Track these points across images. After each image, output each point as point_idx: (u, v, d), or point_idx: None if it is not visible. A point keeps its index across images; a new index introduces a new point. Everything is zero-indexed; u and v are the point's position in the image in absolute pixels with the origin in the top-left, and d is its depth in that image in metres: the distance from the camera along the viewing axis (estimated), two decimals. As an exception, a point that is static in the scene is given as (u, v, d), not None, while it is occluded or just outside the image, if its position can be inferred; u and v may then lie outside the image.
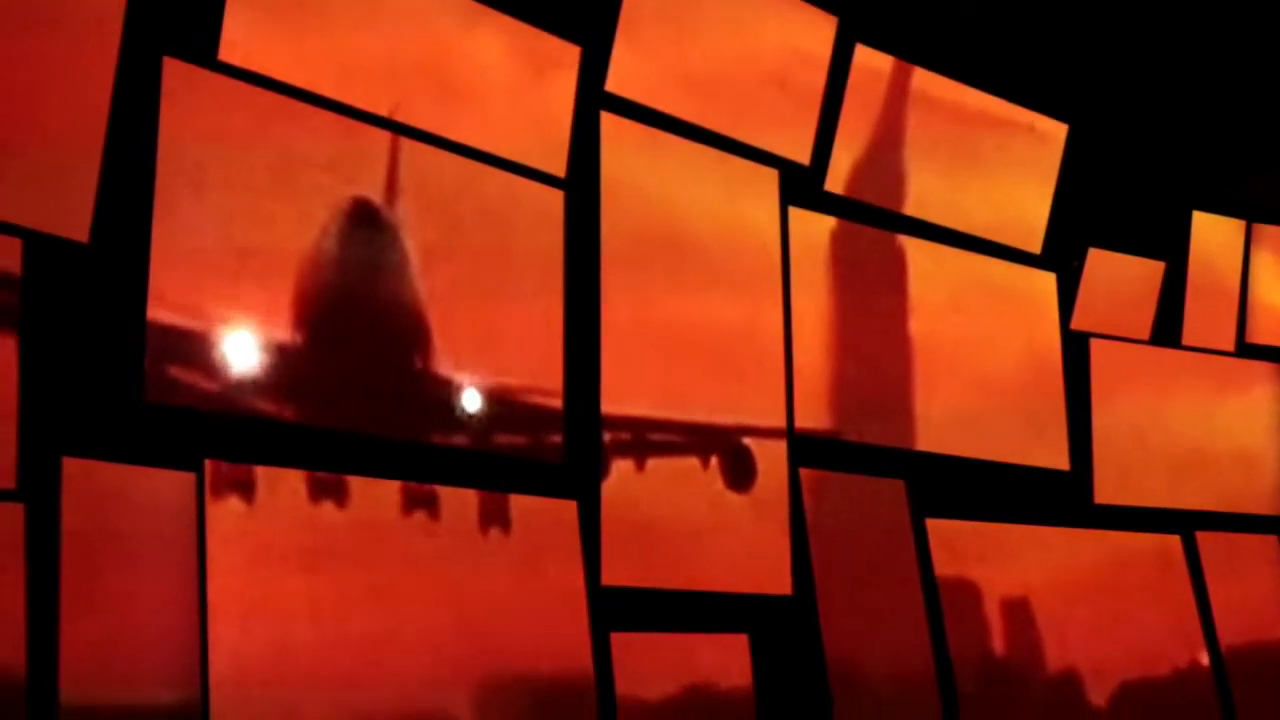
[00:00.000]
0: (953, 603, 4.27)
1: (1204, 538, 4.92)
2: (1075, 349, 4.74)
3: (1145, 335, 4.95)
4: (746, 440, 3.88)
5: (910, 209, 4.37)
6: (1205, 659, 4.85)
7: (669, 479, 3.70)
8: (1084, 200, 4.71)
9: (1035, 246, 4.66)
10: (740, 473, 3.84)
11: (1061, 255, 4.71)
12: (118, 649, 2.78)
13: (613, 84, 3.69)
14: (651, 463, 3.68)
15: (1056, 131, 4.66)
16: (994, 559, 4.43)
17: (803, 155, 4.12)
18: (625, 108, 3.73)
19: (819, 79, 4.14)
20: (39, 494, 2.71)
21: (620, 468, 3.62)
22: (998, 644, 4.41)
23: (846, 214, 4.23)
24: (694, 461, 3.78)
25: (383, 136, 3.28)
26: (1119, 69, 4.69)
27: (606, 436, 3.59)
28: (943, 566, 4.26)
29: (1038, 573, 4.48)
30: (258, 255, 3.06)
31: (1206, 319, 5.05)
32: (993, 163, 4.58)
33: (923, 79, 4.38)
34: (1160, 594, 4.83)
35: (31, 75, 2.81)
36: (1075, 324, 4.75)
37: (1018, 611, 4.45)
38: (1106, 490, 4.73)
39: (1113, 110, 4.73)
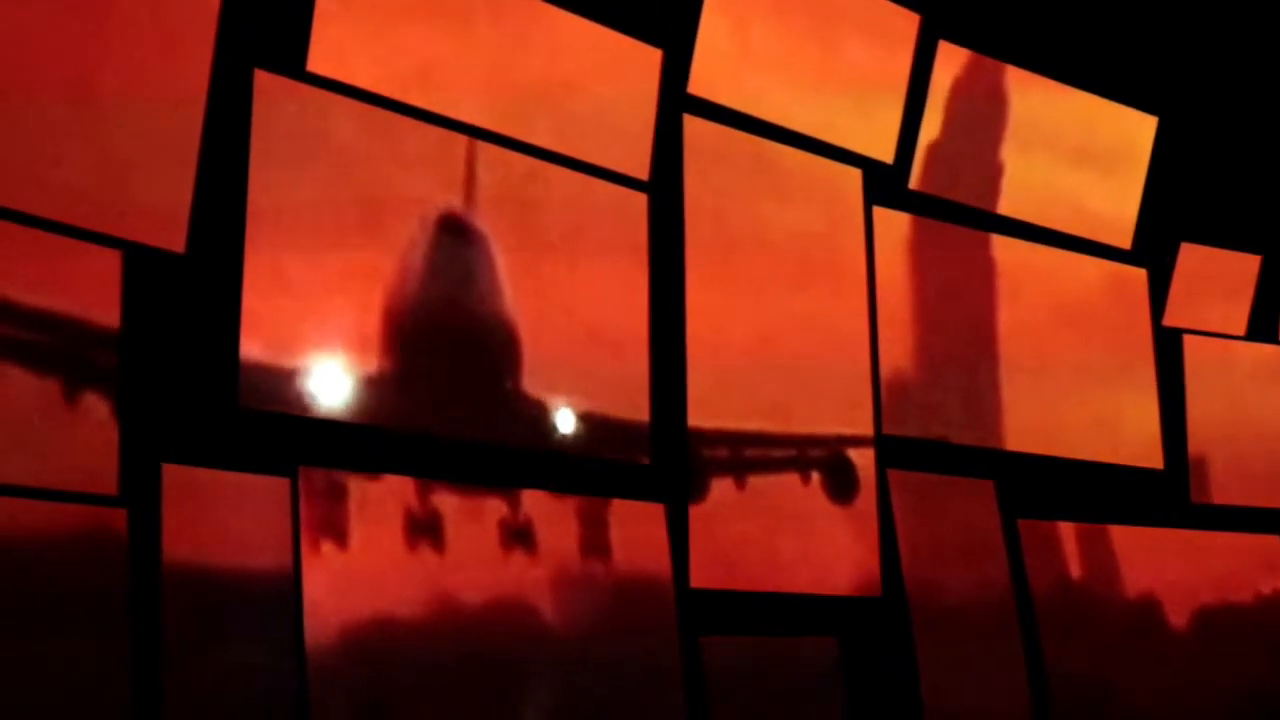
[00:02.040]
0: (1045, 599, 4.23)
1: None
2: (1168, 345, 4.66)
3: (1241, 331, 4.84)
4: (835, 442, 3.86)
5: (1001, 206, 4.33)
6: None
7: (757, 483, 3.69)
8: (1176, 194, 4.62)
9: (1126, 242, 4.58)
10: (829, 475, 3.82)
11: (1153, 251, 4.62)
12: (220, 643, 2.85)
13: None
14: (740, 467, 3.67)
15: (1146, 125, 4.59)
16: (1091, 563, 4.38)
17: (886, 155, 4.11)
18: (707, 109, 3.73)
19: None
20: (140, 499, 2.77)
21: (708, 473, 3.61)
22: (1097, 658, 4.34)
23: (931, 210, 4.20)
24: (785, 465, 3.76)
25: (471, 144, 3.31)
26: (1210, 59, 4.60)
27: (694, 441, 3.59)
28: (1035, 567, 4.21)
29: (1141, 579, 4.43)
30: (349, 263, 3.11)
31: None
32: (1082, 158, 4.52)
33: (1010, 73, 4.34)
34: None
35: (127, 91, 2.87)
36: (1168, 320, 4.67)
37: (1115, 621, 4.39)
38: (1202, 489, 4.64)
39: (1205, 101, 4.64)
